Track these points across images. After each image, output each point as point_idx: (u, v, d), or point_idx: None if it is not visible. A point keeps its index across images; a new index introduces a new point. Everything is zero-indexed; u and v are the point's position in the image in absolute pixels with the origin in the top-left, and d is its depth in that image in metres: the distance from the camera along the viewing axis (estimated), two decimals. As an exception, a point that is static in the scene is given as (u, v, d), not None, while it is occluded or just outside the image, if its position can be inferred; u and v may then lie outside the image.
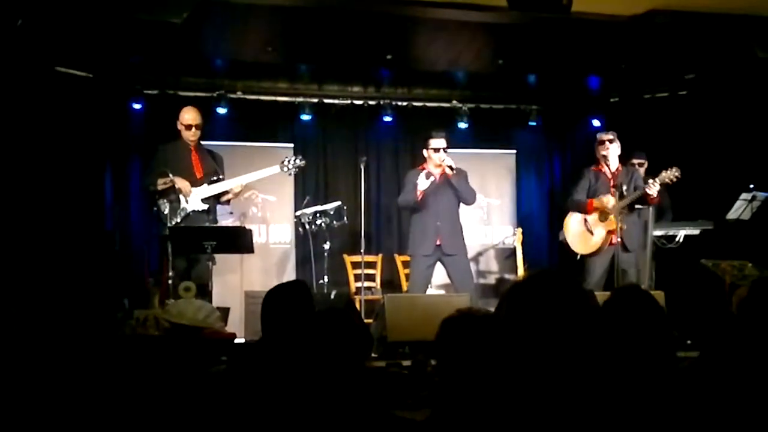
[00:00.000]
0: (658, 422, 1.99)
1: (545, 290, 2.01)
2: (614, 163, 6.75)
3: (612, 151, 6.71)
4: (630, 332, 2.13)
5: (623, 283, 6.43)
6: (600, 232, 6.67)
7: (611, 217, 6.55)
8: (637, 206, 6.68)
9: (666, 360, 2.13)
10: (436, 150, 6.74)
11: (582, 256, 6.81)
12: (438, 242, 6.67)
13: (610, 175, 6.73)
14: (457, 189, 6.74)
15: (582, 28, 6.82)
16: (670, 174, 6.45)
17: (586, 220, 6.80)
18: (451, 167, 6.66)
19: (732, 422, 2.14)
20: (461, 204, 6.88)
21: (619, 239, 6.52)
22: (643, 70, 8.13)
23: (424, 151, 6.87)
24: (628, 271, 6.54)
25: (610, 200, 6.57)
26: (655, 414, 2.01)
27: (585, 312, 2.01)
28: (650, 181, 6.48)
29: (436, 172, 6.78)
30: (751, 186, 7.25)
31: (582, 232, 6.81)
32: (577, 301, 2.01)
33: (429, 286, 6.90)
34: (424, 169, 6.86)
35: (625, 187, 6.56)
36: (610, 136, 6.76)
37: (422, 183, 6.69)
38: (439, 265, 6.81)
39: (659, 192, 6.64)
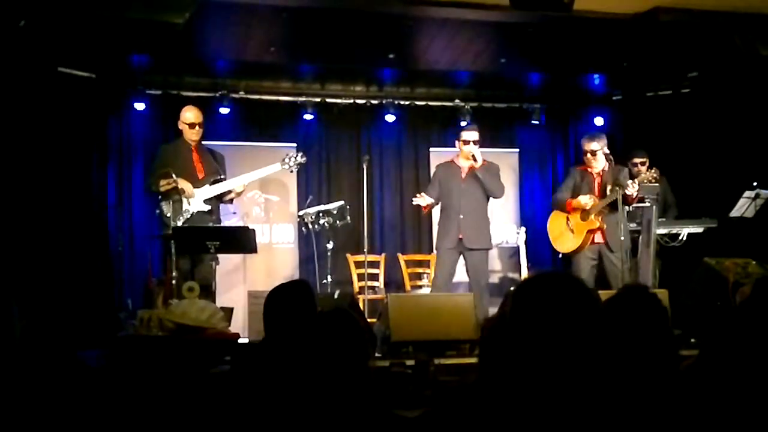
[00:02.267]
0: (660, 421, 1.99)
1: (550, 290, 2.00)
2: (600, 164, 6.82)
3: (598, 158, 6.78)
4: (632, 331, 2.13)
5: (610, 282, 6.53)
6: (580, 232, 6.73)
7: (591, 216, 6.63)
8: (630, 207, 6.76)
9: (668, 359, 2.13)
10: (466, 142, 6.78)
11: (564, 254, 6.94)
12: (460, 236, 6.68)
13: (596, 175, 6.82)
14: (483, 182, 6.75)
15: (584, 26, 6.82)
16: (648, 175, 6.56)
17: (568, 219, 6.86)
18: (475, 159, 6.69)
19: (734, 421, 2.14)
20: (490, 198, 6.88)
21: (603, 239, 6.65)
22: (646, 68, 8.12)
23: (456, 143, 6.94)
24: (612, 271, 6.61)
25: (587, 201, 6.66)
26: (657, 412, 2.01)
27: (590, 312, 2.01)
28: (629, 182, 6.55)
29: (465, 165, 6.81)
30: (755, 183, 7.24)
31: (563, 232, 6.91)
32: (582, 301, 2.01)
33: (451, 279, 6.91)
34: (452, 162, 6.93)
35: (609, 187, 6.63)
36: (597, 146, 6.77)
37: (419, 201, 6.78)
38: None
39: (663, 189, 6.64)
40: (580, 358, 1.91)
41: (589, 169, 6.86)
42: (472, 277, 6.74)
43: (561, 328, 1.92)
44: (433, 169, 7.52)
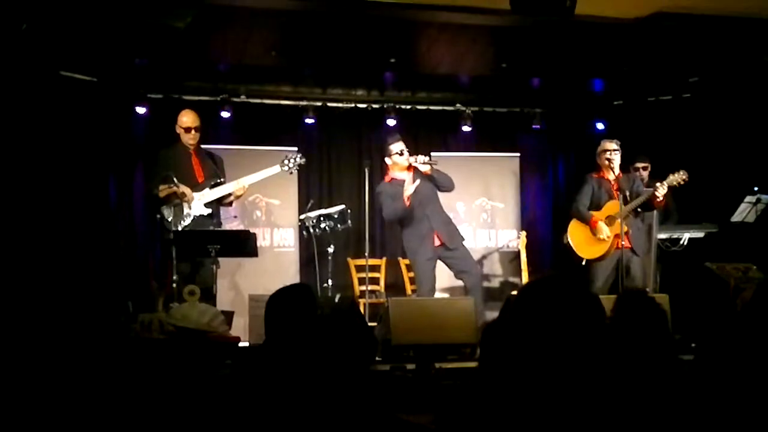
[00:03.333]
0: (660, 423, 1.99)
1: (553, 294, 2.01)
2: (617, 169, 6.73)
3: (617, 158, 6.70)
4: (632, 336, 2.13)
5: (631, 287, 6.43)
6: (607, 237, 6.64)
7: (617, 221, 6.55)
8: (639, 210, 6.68)
9: (667, 364, 2.13)
10: (401, 153, 6.60)
11: (587, 260, 6.78)
12: (438, 242, 6.59)
13: (613, 182, 6.71)
14: (437, 181, 6.59)
15: (585, 31, 6.82)
16: (678, 177, 6.43)
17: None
18: (428, 163, 6.53)
19: (734, 424, 2.14)
20: (443, 193, 6.75)
21: (628, 243, 6.53)
22: (647, 73, 8.13)
23: (387, 159, 6.73)
24: (636, 276, 6.52)
25: (615, 205, 6.57)
26: (657, 414, 2.01)
27: (592, 317, 2.01)
28: (658, 183, 6.46)
29: (407, 175, 6.62)
30: (756, 188, 7.25)
31: (588, 238, 6.76)
32: (584, 306, 2.01)
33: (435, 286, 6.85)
34: (392, 180, 6.71)
35: (627, 193, 6.56)
36: (616, 146, 6.72)
37: (409, 189, 6.49)
38: (441, 266, 6.76)
39: (664, 195, 6.62)
40: (582, 361, 1.91)
41: (605, 176, 6.75)
42: (467, 271, 6.60)
43: (563, 332, 1.92)
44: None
